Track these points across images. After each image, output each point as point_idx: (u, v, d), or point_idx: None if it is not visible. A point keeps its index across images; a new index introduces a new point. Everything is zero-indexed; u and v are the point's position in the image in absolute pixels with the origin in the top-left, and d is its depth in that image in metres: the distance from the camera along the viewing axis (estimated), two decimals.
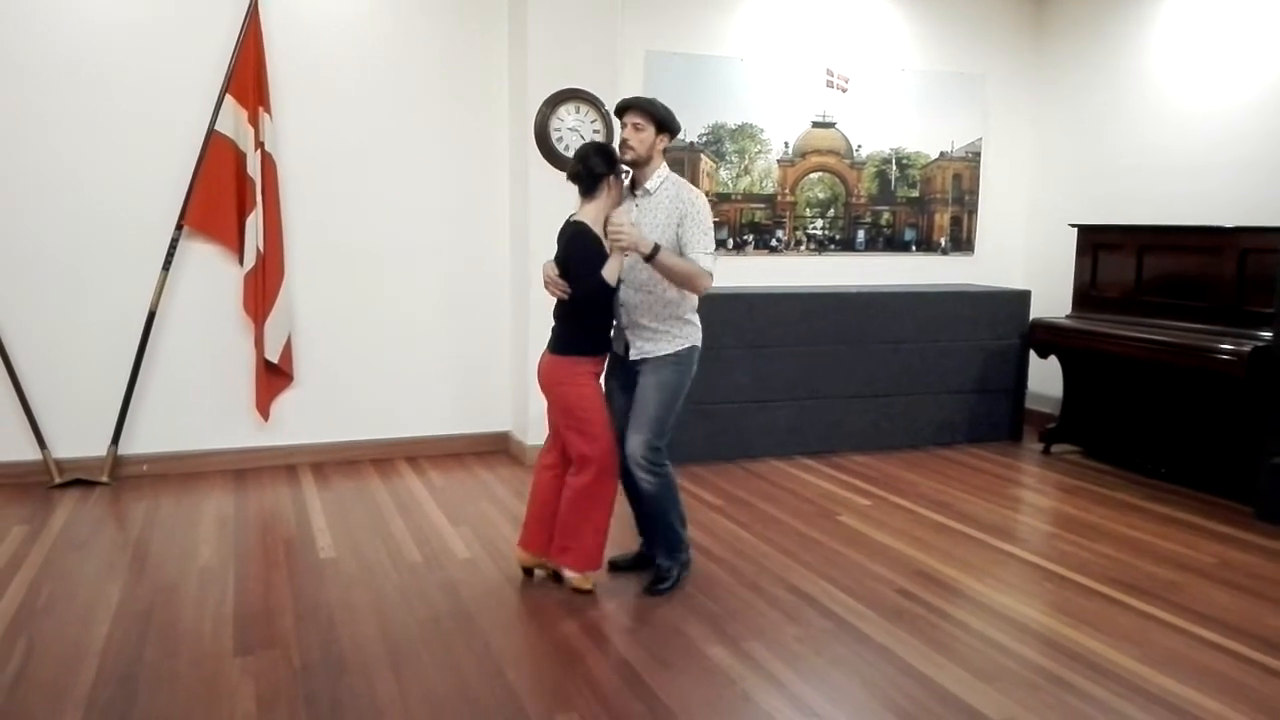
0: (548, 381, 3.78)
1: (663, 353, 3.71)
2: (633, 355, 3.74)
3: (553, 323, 3.83)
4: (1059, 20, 6.88)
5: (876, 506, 5.00)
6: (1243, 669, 3.25)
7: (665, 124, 3.66)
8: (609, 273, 3.55)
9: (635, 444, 3.69)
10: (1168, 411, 5.51)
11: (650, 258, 3.50)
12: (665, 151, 3.74)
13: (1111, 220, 6.21)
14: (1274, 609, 3.76)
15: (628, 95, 3.98)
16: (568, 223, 3.75)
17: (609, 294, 3.64)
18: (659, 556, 3.89)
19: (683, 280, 3.60)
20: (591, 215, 3.66)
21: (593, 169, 3.67)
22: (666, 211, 3.64)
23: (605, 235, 3.56)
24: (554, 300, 3.76)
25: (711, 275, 3.61)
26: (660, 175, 3.71)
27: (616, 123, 3.75)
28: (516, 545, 3.99)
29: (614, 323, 3.80)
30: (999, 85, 6.98)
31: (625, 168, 3.72)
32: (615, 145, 3.80)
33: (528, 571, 3.95)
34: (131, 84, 5.09)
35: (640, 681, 3.10)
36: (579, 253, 3.63)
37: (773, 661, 3.25)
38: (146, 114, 5.13)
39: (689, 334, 3.76)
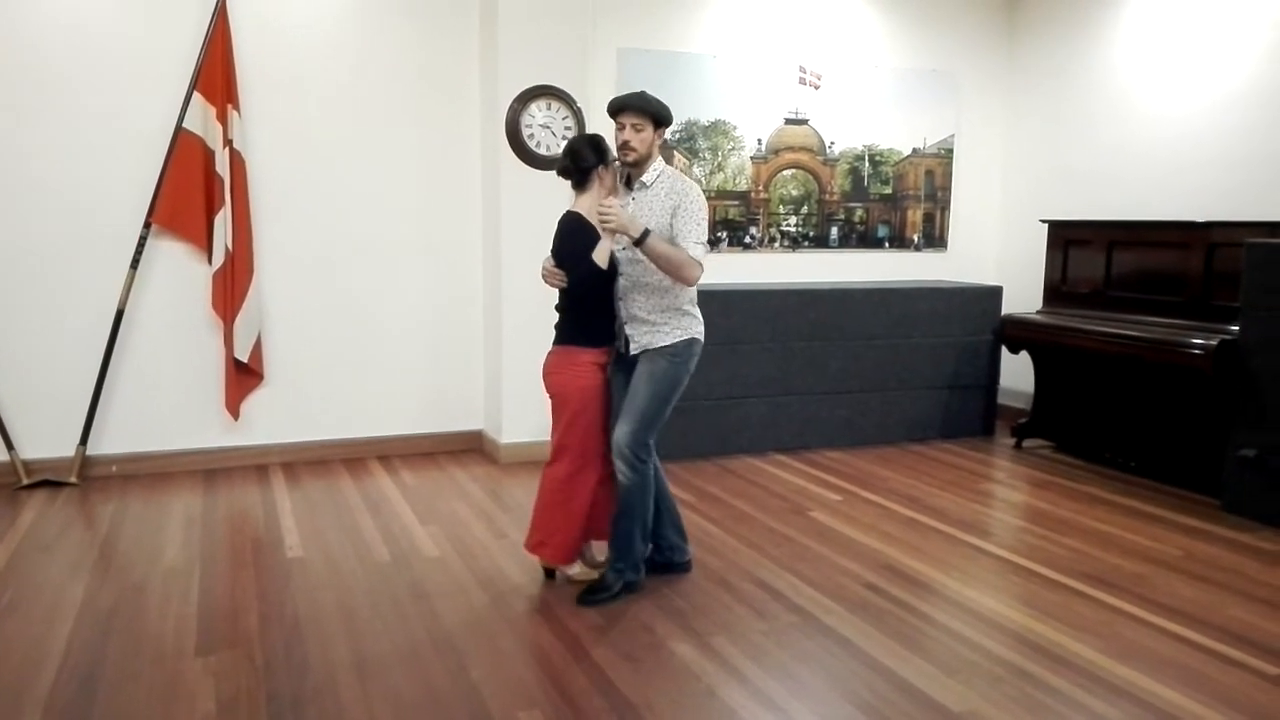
0: (546, 373, 3.78)
1: (659, 345, 3.69)
2: (633, 349, 3.73)
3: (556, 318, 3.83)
4: (1031, 18, 6.92)
5: (847, 502, 5.01)
6: (1204, 659, 3.27)
7: (661, 119, 3.67)
8: (599, 255, 3.55)
9: (620, 434, 3.68)
10: (1137, 406, 5.54)
11: (639, 242, 3.49)
12: (661, 145, 3.75)
13: (1082, 216, 6.25)
14: (1237, 600, 3.79)
15: (611, 94, 3.98)
16: (564, 215, 3.75)
17: (604, 279, 3.63)
18: (611, 559, 3.79)
19: (672, 268, 3.56)
20: (586, 206, 3.67)
21: (580, 163, 3.67)
22: (663, 204, 3.64)
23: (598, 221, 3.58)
24: (556, 294, 3.77)
25: (701, 265, 3.59)
26: (656, 169, 3.71)
27: (610, 123, 3.71)
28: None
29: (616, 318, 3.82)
30: (971, 82, 7.01)
31: (614, 156, 3.70)
32: (611, 144, 3.76)
33: (549, 574, 3.92)
34: (98, 81, 5.05)
35: (604, 678, 3.10)
36: (572, 242, 3.64)
37: (738, 656, 3.25)
38: (114, 111, 5.09)
39: (687, 325, 3.74)
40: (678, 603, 3.69)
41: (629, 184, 3.75)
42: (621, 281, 3.71)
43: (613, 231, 3.51)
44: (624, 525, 3.76)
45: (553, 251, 3.74)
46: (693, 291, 3.76)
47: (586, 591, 3.72)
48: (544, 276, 3.75)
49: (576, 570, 3.85)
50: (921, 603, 3.72)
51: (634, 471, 3.68)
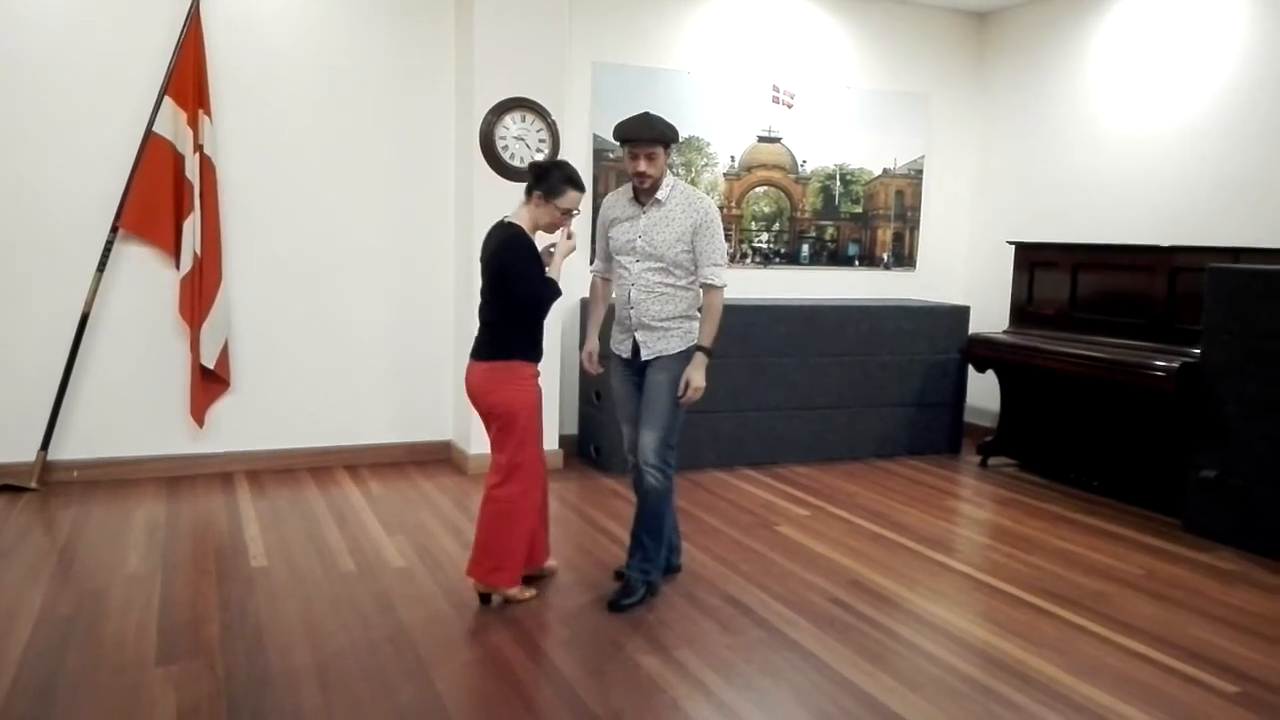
0: (482, 389, 3.67)
1: (674, 351, 3.77)
2: (645, 355, 3.79)
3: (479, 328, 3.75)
4: (1001, 42, 7.02)
5: (815, 517, 5.04)
6: (1163, 677, 3.31)
7: (671, 141, 3.71)
8: (554, 271, 3.66)
9: (648, 442, 3.75)
10: (1101, 426, 5.61)
11: (711, 352, 3.75)
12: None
13: (1048, 238, 6.34)
14: (1197, 619, 3.84)
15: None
16: (504, 225, 3.68)
17: (557, 296, 3.68)
18: (630, 565, 3.87)
19: (718, 319, 3.77)
20: (525, 219, 3.67)
21: (527, 181, 3.73)
22: (680, 221, 3.72)
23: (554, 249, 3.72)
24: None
25: (722, 288, 3.76)
26: (669, 184, 3.76)
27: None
28: (467, 574, 3.75)
29: (615, 325, 3.90)
30: (941, 104, 7.10)
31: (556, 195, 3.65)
32: (568, 163, 3.80)
33: (485, 599, 3.75)
34: (68, 83, 5.00)
35: (570, 691, 3.09)
36: (515, 257, 3.61)
37: (703, 670, 3.25)
38: (83, 114, 5.04)
39: (694, 330, 3.83)
40: (644, 616, 3.69)
41: (638, 198, 3.78)
42: (634, 292, 3.77)
43: (694, 399, 3.76)
44: (651, 527, 3.84)
45: (481, 259, 3.71)
46: (697, 300, 3.86)
47: (617, 596, 3.78)
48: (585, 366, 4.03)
49: (517, 591, 3.75)
50: (886, 618, 3.74)
51: (664, 476, 3.79)
